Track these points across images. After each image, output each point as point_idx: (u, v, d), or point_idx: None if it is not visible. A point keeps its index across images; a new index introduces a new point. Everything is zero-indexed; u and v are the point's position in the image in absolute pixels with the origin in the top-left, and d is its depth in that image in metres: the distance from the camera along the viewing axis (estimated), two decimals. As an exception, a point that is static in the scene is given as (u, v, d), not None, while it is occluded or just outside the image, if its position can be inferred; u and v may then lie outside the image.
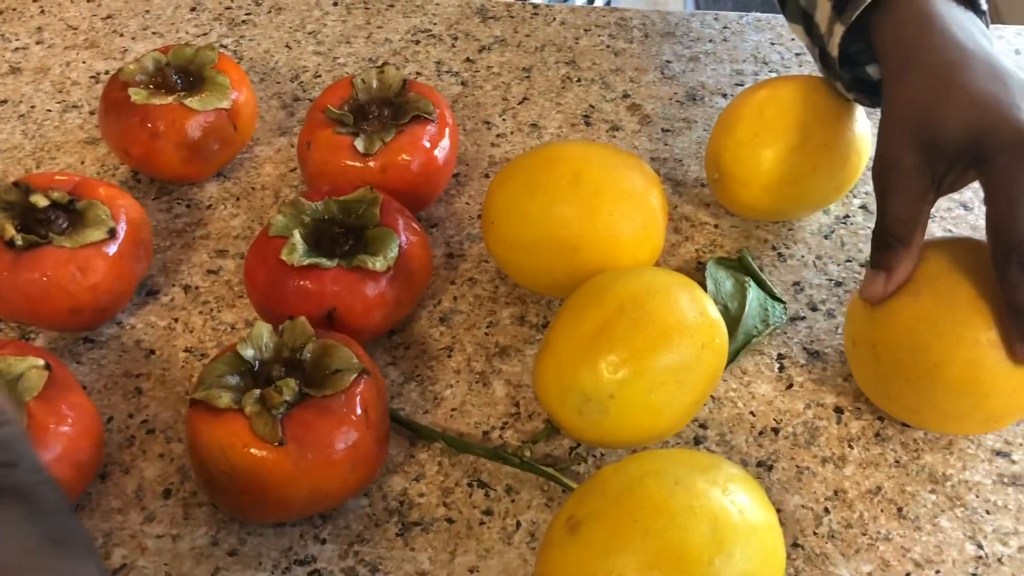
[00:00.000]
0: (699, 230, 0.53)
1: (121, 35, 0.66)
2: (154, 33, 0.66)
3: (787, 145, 0.48)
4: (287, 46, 0.65)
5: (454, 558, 0.39)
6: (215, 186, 0.55)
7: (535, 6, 0.68)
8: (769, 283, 0.49)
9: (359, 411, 0.38)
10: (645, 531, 0.32)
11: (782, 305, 0.49)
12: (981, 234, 0.52)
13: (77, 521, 0.28)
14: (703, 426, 0.44)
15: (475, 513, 0.41)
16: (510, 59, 0.64)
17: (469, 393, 0.45)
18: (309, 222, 0.46)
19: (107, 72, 0.63)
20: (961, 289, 0.40)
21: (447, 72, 0.63)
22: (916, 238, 0.40)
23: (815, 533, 0.41)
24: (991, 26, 0.51)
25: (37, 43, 0.65)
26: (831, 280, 0.50)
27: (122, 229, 0.46)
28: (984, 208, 0.37)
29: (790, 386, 0.46)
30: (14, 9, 0.68)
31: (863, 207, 0.54)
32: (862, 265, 0.51)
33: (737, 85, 0.62)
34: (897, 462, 0.43)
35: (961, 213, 0.54)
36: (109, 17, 0.68)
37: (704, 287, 0.48)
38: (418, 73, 0.63)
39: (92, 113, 0.60)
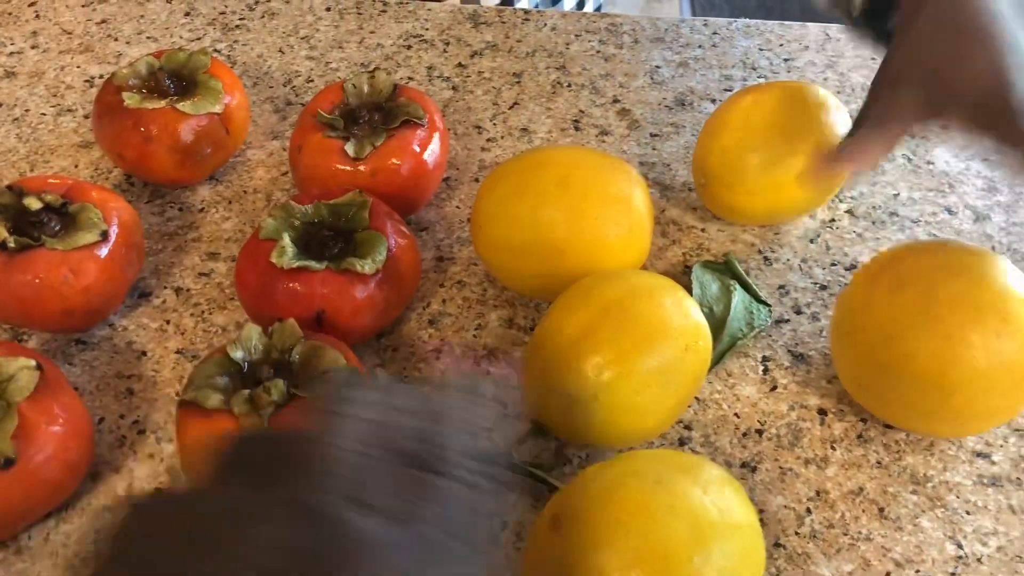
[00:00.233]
0: (686, 234, 0.53)
1: (116, 40, 0.67)
2: (148, 38, 0.67)
3: (772, 150, 0.49)
4: (280, 51, 0.66)
5: (440, 557, 0.40)
6: (207, 189, 0.56)
7: (526, 12, 0.69)
8: (755, 286, 0.50)
9: (347, 412, 0.39)
10: (626, 530, 0.33)
11: (767, 308, 0.49)
12: (965, 238, 0.53)
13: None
14: (688, 427, 0.45)
15: (461, 513, 0.41)
16: (501, 64, 0.64)
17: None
18: (299, 225, 0.46)
19: (101, 76, 0.64)
20: (941, 287, 0.40)
21: (438, 77, 0.63)
22: (887, 136, 0.42)
23: (797, 533, 0.41)
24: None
25: (32, 47, 0.66)
26: (816, 284, 0.51)
27: (114, 232, 0.46)
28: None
29: (774, 388, 0.46)
30: (9, 13, 0.69)
31: (849, 212, 0.54)
32: (847, 269, 0.51)
33: (726, 90, 0.62)
34: (879, 463, 0.43)
35: (946, 218, 0.54)
36: (104, 22, 0.68)
37: (690, 290, 0.48)
38: (410, 78, 0.63)
39: (86, 117, 0.60)
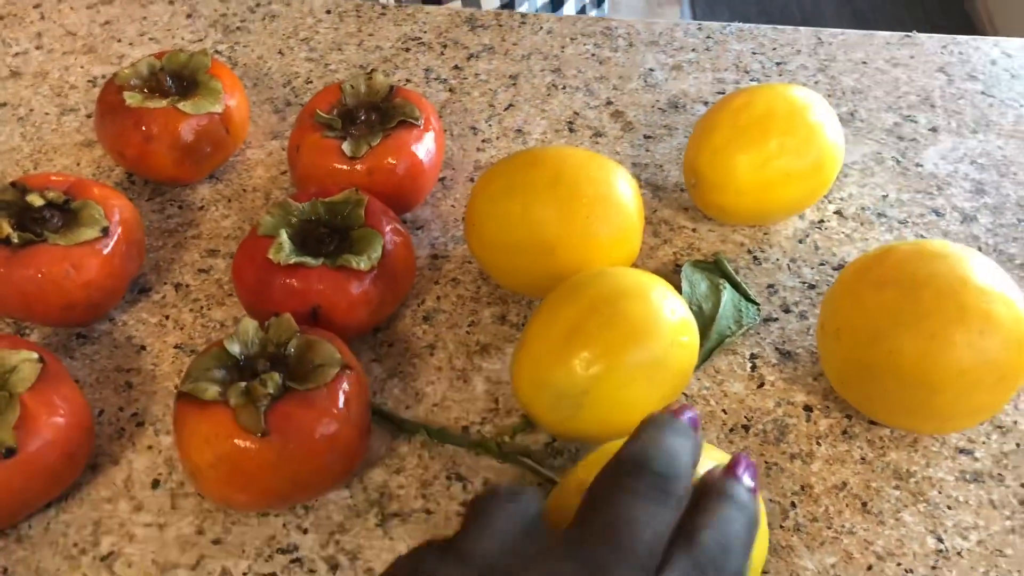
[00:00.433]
0: (677, 233, 0.54)
1: (119, 41, 0.68)
2: (151, 39, 0.68)
3: (761, 152, 0.50)
4: (280, 52, 0.67)
5: (431, 547, 0.41)
6: (207, 188, 0.57)
7: (523, 16, 0.70)
8: (744, 285, 0.51)
9: (341, 404, 0.40)
10: None
11: (756, 307, 0.50)
12: (952, 239, 0.54)
13: None
14: (676, 423, 0.45)
15: (452, 505, 0.42)
16: (497, 66, 0.65)
17: (450, 389, 0.47)
18: (296, 222, 0.47)
19: (104, 76, 0.65)
20: (925, 286, 0.41)
21: (435, 79, 0.64)
22: None
23: (782, 526, 0.42)
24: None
25: (37, 48, 0.67)
26: (804, 283, 0.52)
27: (115, 228, 0.47)
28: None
29: (761, 385, 0.47)
30: (15, 15, 0.70)
31: (837, 212, 0.55)
32: (835, 268, 0.52)
33: (718, 93, 0.63)
34: (863, 459, 0.44)
35: (934, 219, 0.55)
36: (107, 23, 0.69)
37: (680, 289, 0.49)
38: (407, 80, 0.64)
39: (89, 116, 0.61)
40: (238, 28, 0.69)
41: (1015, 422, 0.46)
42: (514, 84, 0.64)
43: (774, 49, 0.67)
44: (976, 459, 0.44)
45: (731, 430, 0.45)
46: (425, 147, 0.52)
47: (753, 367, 0.48)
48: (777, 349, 0.49)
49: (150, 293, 0.51)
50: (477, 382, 0.47)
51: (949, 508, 0.43)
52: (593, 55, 0.66)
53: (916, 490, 0.43)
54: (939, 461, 0.44)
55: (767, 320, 0.50)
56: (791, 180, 0.50)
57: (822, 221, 0.55)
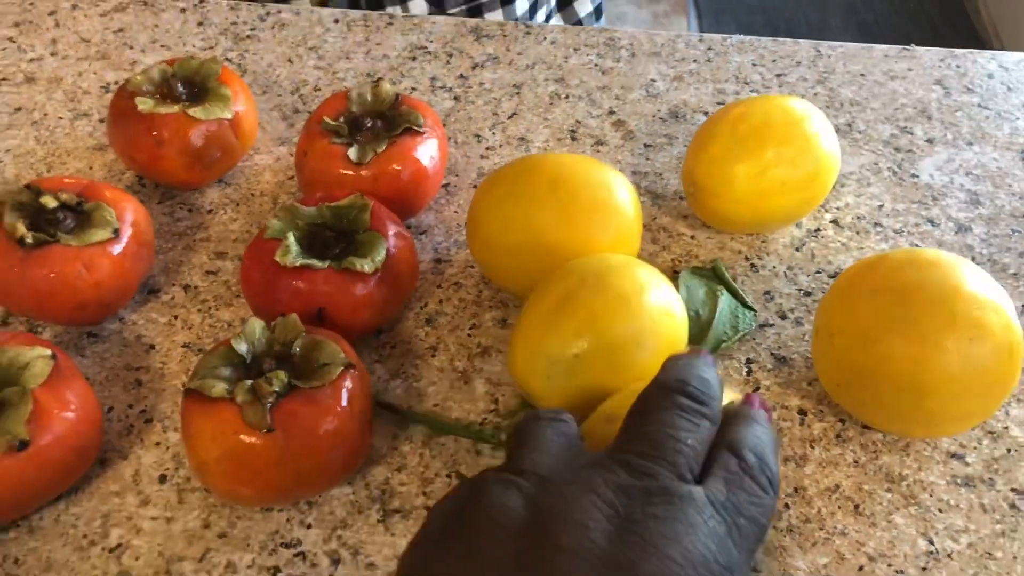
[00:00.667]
0: (676, 240, 0.55)
1: (131, 48, 0.69)
2: (162, 46, 0.69)
3: (758, 161, 0.51)
4: (289, 60, 0.68)
5: (431, 543, 0.42)
6: (216, 192, 0.58)
7: (527, 26, 0.71)
8: (741, 291, 0.52)
9: (344, 402, 0.41)
10: None
11: (752, 313, 0.51)
12: (947, 248, 0.54)
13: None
14: (672, 425, 0.46)
15: (452, 502, 0.43)
16: (501, 76, 0.67)
17: (451, 390, 0.48)
18: (303, 226, 0.48)
19: (117, 82, 0.66)
20: (917, 293, 0.42)
21: (440, 87, 0.66)
22: None
23: (775, 527, 0.43)
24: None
25: (52, 54, 0.68)
26: (800, 290, 0.53)
27: (127, 230, 0.48)
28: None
29: (757, 389, 0.48)
30: (31, 22, 0.71)
31: (834, 222, 0.56)
32: (831, 276, 0.53)
33: (719, 104, 0.64)
34: (856, 462, 0.45)
35: (928, 229, 0.56)
36: (120, 30, 0.71)
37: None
38: (413, 88, 0.66)
39: (101, 121, 0.63)
40: (248, 36, 0.70)
41: (1006, 428, 0.47)
42: (518, 93, 0.65)
43: (774, 61, 0.68)
44: (967, 464, 0.45)
45: (726, 433, 0.46)
46: (429, 154, 0.53)
47: (749, 372, 0.49)
48: (773, 355, 0.50)
49: (159, 294, 0.52)
50: (478, 383, 0.48)
51: (940, 511, 0.43)
52: (596, 65, 0.68)
53: (908, 493, 0.44)
54: (931, 465, 0.45)
55: (763, 326, 0.51)
56: (788, 189, 0.51)
57: (818, 230, 0.56)
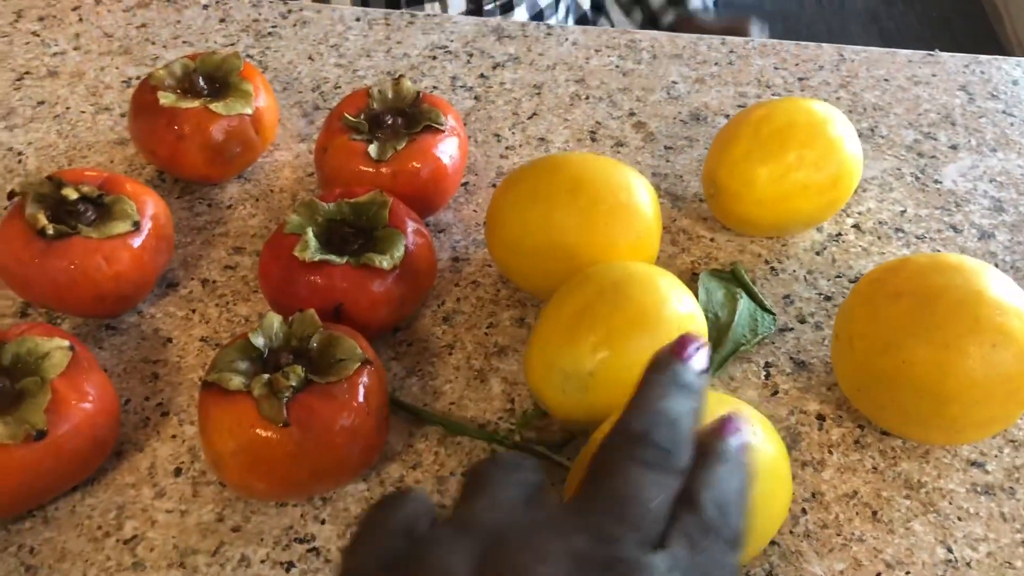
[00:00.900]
0: (695, 243, 0.55)
1: (153, 43, 0.69)
2: (184, 42, 0.69)
3: (780, 164, 0.50)
4: (310, 58, 0.68)
5: (445, 541, 0.42)
6: (235, 187, 0.58)
7: (549, 27, 0.71)
8: (760, 295, 0.51)
9: (361, 398, 0.41)
10: None
11: (772, 316, 0.51)
12: (969, 255, 0.54)
13: None
14: (689, 427, 0.46)
15: (467, 500, 0.43)
16: (522, 76, 0.66)
17: (467, 389, 0.48)
18: (322, 222, 0.48)
19: (138, 77, 0.66)
20: (940, 298, 0.42)
21: (461, 87, 0.66)
22: None
23: (791, 532, 0.42)
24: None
25: (75, 49, 0.69)
26: (820, 294, 0.52)
27: (146, 223, 0.49)
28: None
29: (775, 393, 0.48)
30: (55, 16, 0.72)
31: (855, 226, 0.56)
32: (851, 281, 0.53)
33: (740, 106, 0.64)
34: (874, 468, 0.45)
35: (951, 235, 0.56)
36: (143, 26, 0.71)
37: (696, 296, 0.50)
38: (434, 87, 0.66)
39: (123, 116, 0.63)
40: (269, 33, 0.70)
41: (1028, 437, 0.46)
42: (538, 93, 0.65)
43: (796, 65, 0.68)
44: (987, 472, 0.45)
45: (744, 436, 0.46)
46: (449, 152, 0.53)
47: (767, 375, 0.48)
48: (792, 359, 0.49)
49: (177, 287, 0.52)
50: (494, 382, 0.48)
51: (959, 519, 0.43)
52: (617, 67, 0.67)
53: (927, 500, 0.44)
54: (950, 473, 0.45)
55: (782, 330, 0.51)
56: (809, 192, 0.51)
57: (840, 234, 0.55)
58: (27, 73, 0.67)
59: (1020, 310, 0.42)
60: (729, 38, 0.70)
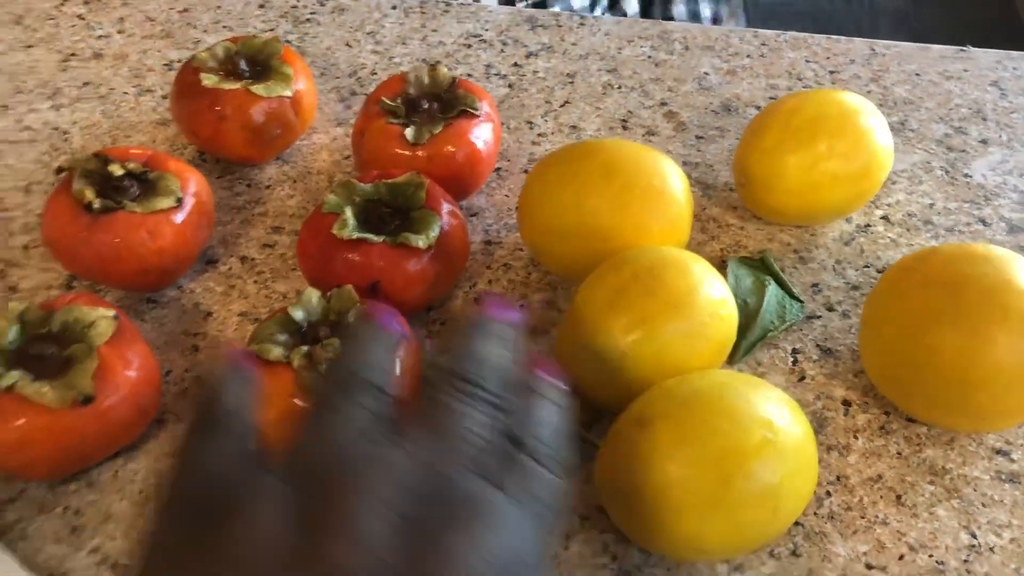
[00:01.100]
0: (725, 231, 0.56)
1: (194, 27, 0.71)
2: (224, 27, 0.71)
3: (810, 154, 0.51)
4: (347, 44, 0.69)
5: (475, 513, 0.43)
6: (274, 168, 0.60)
7: (582, 17, 0.72)
8: (788, 283, 0.52)
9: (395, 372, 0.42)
10: (711, 430, 0.37)
11: (799, 304, 0.51)
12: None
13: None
14: (716, 410, 0.47)
15: (497, 475, 0.44)
16: (555, 65, 0.67)
17: (498, 368, 0.49)
18: (359, 201, 0.49)
19: (180, 61, 0.68)
20: (969, 285, 0.42)
21: (495, 75, 0.67)
22: None
23: (816, 514, 0.43)
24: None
25: (119, 32, 0.70)
26: (848, 284, 0.53)
27: (189, 199, 0.50)
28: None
29: (802, 379, 0.48)
30: (100, 0, 0.73)
31: (884, 218, 0.56)
32: (879, 271, 0.53)
33: (771, 98, 0.65)
34: (899, 454, 0.45)
35: (980, 228, 0.56)
36: (185, 11, 0.72)
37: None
38: (468, 75, 0.67)
39: (164, 97, 0.65)
40: (308, 20, 0.71)
41: (1053, 427, 0.46)
42: (571, 82, 0.66)
43: (828, 58, 0.68)
44: (1013, 460, 0.45)
45: (770, 420, 0.46)
46: (483, 137, 0.54)
47: (794, 361, 0.49)
48: (819, 346, 0.50)
49: (217, 264, 0.54)
50: (525, 362, 0.49)
51: (983, 506, 0.43)
52: (649, 57, 0.68)
53: (951, 487, 0.44)
54: (975, 460, 0.45)
55: (810, 317, 0.51)
56: (839, 183, 0.51)
57: (868, 225, 0.56)
58: (73, 55, 0.68)
59: (1048, 300, 0.42)
60: (761, 31, 0.71)
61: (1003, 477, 0.44)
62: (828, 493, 0.44)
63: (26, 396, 0.40)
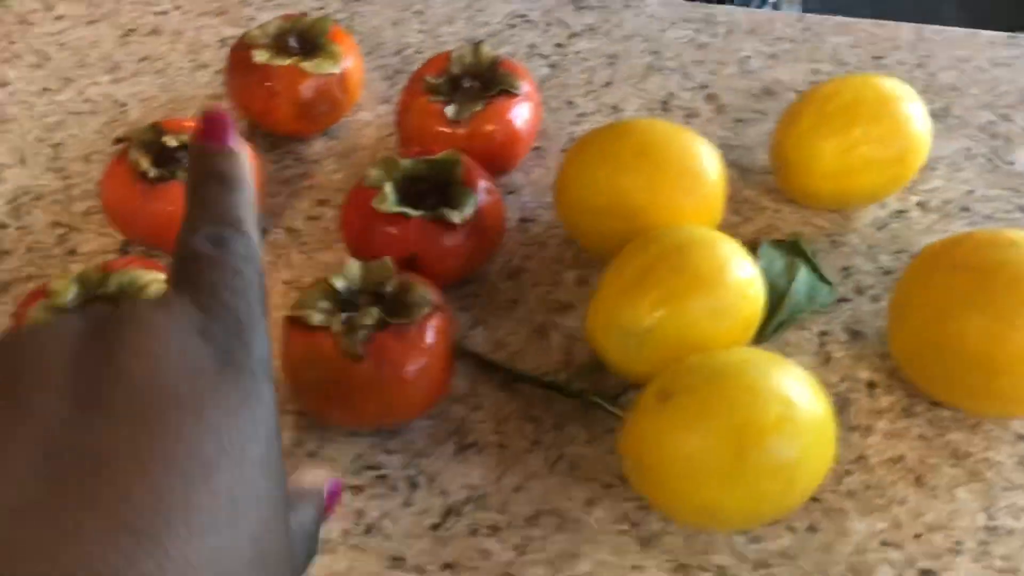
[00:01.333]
0: (759, 213, 0.56)
1: (248, 5, 0.73)
2: (277, 5, 0.73)
3: (846, 138, 0.51)
4: (394, 24, 0.71)
5: (502, 478, 0.44)
6: (321, 144, 0.62)
7: (627, -1, 0.72)
8: (819, 266, 0.53)
9: (430, 340, 0.44)
10: (731, 404, 0.38)
11: (830, 287, 0.52)
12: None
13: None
14: (741, 387, 0.48)
15: (524, 443, 0.46)
16: (598, 46, 0.68)
17: (528, 341, 0.50)
18: (400, 177, 0.51)
19: (233, 37, 0.69)
20: (998, 270, 0.42)
21: (538, 55, 0.68)
22: None
23: (834, 491, 0.44)
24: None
25: (176, 8, 0.73)
26: (880, 268, 0.53)
27: (239, 171, 0.52)
28: None
29: (828, 360, 0.49)
30: (158, -23, 0.76)
31: (920, 204, 0.56)
32: (912, 257, 0.53)
33: (812, 83, 0.65)
34: (922, 436, 0.46)
35: (1019, 216, 0.56)
36: (239, -11, 0.75)
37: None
38: (511, 54, 0.68)
39: (218, 73, 0.67)
40: (357, -1, 0.73)
41: (1080, 415, 0.46)
42: (613, 64, 0.67)
43: (873, 43, 0.68)
44: (1036, 447, 0.45)
45: (794, 399, 0.47)
46: (523, 116, 0.55)
47: (821, 343, 0.50)
48: (847, 328, 0.50)
49: (265, 235, 0.56)
50: (554, 336, 0.50)
51: (1004, 490, 0.44)
52: (692, 40, 0.69)
53: (973, 470, 0.45)
54: (999, 445, 0.45)
55: (840, 300, 0.52)
56: (874, 168, 0.52)
57: (903, 211, 0.56)
58: (132, 31, 0.71)
59: (1079, 287, 0.42)
60: (807, 15, 0.71)
61: (1026, 463, 0.45)
62: (848, 472, 0.45)
63: (83, 352, 0.43)
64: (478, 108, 0.54)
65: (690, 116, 0.63)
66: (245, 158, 0.29)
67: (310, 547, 0.30)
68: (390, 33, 0.70)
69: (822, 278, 0.52)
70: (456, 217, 0.49)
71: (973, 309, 0.42)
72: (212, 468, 0.22)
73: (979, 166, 0.59)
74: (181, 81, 0.67)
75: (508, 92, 0.55)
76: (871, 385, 0.48)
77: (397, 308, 0.45)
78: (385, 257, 0.46)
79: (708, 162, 0.50)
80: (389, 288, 0.46)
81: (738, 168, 0.59)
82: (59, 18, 0.72)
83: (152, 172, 0.50)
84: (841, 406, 0.47)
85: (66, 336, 0.24)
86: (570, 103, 0.64)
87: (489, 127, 0.54)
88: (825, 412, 0.40)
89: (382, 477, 0.45)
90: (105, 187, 0.52)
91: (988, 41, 0.68)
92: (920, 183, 0.58)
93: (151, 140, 0.52)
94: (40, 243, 0.56)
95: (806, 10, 0.78)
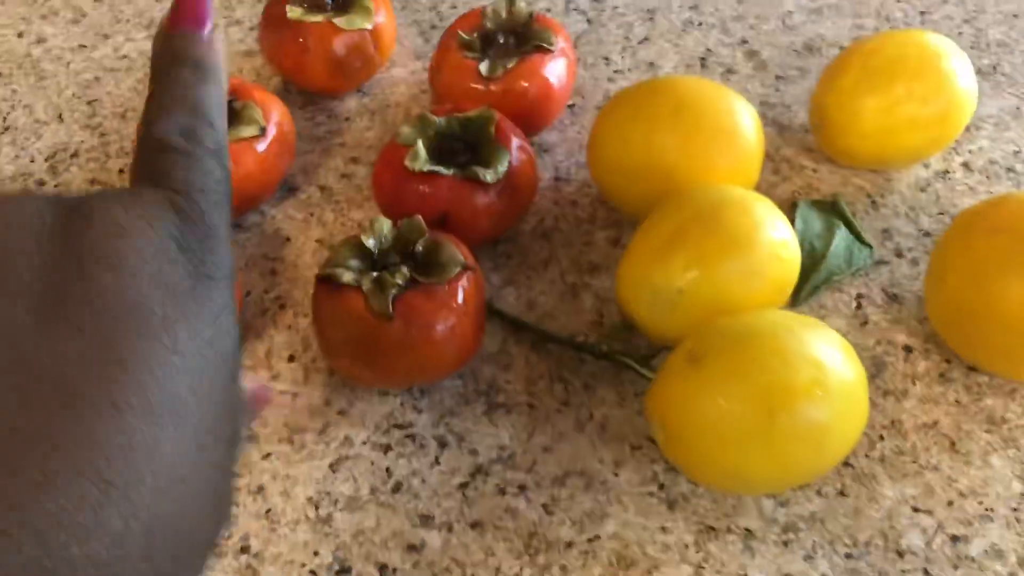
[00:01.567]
0: (798, 173, 0.55)
1: (282, -40, 0.72)
2: (311, -40, 0.72)
3: (888, 96, 0.50)
4: (429, -22, 0.70)
5: (531, 438, 0.45)
6: (354, 101, 0.61)
7: (666, -48, 0.71)
8: (859, 228, 0.52)
9: (460, 300, 0.44)
10: (761, 367, 0.38)
11: (869, 249, 0.51)
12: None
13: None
14: (774, 350, 0.47)
15: (554, 403, 0.46)
16: (636, 1, 0.67)
17: (560, 302, 0.50)
18: (432, 134, 0.51)
19: (268, -7, 0.69)
20: None
21: (575, 10, 0.66)
22: None
23: (867, 456, 0.44)
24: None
25: (210, -37, 0.73)
26: (921, 230, 0.52)
27: (271, 129, 0.52)
28: None
29: (864, 323, 0.48)
30: (192, -68, 0.76)
31: (964, 164, 0.55)
32: (954, 218, 0.52)
33: (856, 39, 0.63)
34: (958, 402, 0.45)
35: (1067, 178, 0.54)
36: (273, -57, 0.74)
37: (794, 225, 0.50)
38: (548, 9, 0.67)
39: (252, 29, 0.67)
40: (392, -47, 0.72)
41: (1123, 383, 0.45)
42: (651, 19, 0.65)
43: (920, -3, 0.66)
44: (1076, 414, 0.45)
45: (828, 363, 0.47)
46: (557, 73, 0.55)
47: (858, 306, 0.49)
48: (884, 291, 0.50)
49: (297, 192, 0.56)
50: (585, 297, 0.50)
51: (1041, 458, 0.43)
52: (732, -6, 0.67)
53: (1008, 436, 0.44)
54: (1037, 413, 0.45)
55: (878, 263, 0.51)
56: (916, 126, 0.50)
57: (947, 172, 0.55)
58: (167, -14, 0.71)
59: (1124, 252, 0.41)
60: (852, -32, 0.68)
61: (1065, 430, 0.44)
62: (881, 437, 0.44)
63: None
64: (512, 65, 0.54)
65: (729, 72, 0.62)
66: (221, 47, 0.27)
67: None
68: (424, -12, 0.69)
69: (861, 240, 0.51)
70: (488, 176, 0.48)
71: (1011, 274, 0.41)
72: (183, 409, 0.21)
73: (1028, 125, 0.57)
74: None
75: (543, 48, 0.54)
76: (907, 349, 0.47)
77: (428, 267, 0.45)
78: (416, 216, 0.46)
79: (745, 121, 0.49)
80: (420, 247, 0.45)
81: (777, 126, 0.58)
82: (95, -26, 0.73)
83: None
84: (876, 370, 0.46)
85: (32, 235, 0.22)
86: (606, 59, 0.63)
87: (523, 84, 0.54)
88: (858, 376, 0.39)
89: (411, 436, 0.45)
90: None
91: (1042, -6, 0.66)
92: (965, 143, 0.56)
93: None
94: (78, 199, 0.57)
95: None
